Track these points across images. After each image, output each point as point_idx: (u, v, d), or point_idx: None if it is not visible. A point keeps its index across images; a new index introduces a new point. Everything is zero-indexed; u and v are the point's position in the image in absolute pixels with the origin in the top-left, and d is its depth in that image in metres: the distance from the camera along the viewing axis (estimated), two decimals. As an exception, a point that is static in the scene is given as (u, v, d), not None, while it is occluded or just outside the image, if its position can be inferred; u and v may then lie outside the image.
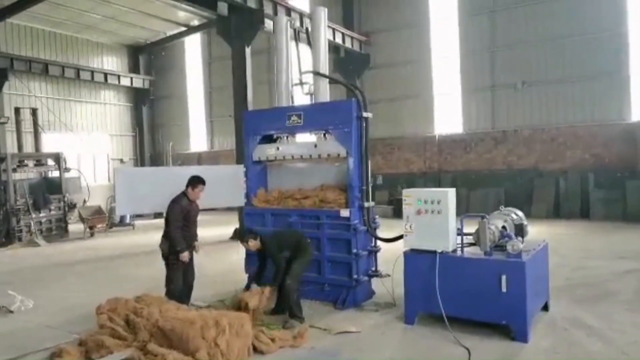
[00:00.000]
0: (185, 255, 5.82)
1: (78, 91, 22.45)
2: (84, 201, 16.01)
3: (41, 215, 14.22)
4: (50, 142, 19.41)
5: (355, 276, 6.31)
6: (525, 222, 5.81)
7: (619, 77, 14.94)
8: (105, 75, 22.69)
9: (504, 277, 4.90)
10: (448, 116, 17.97)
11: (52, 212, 14.61)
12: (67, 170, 15.18)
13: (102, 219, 15.35)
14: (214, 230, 14.96)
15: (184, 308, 5.32)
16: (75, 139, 21.65)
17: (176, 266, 5.93)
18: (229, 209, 16.58)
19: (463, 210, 12.72)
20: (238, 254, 8.24)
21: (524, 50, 16.33)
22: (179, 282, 5.99)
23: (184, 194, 5.92)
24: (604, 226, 12.97)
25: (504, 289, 4.89)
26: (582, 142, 15.39)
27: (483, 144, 17.08)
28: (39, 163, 15.10)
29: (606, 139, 15.02)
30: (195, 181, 5.95)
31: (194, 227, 6.14)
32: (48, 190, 14.62)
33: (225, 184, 7.10)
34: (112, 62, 23.96)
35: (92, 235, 14.90)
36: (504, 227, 5.47)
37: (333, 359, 4.71)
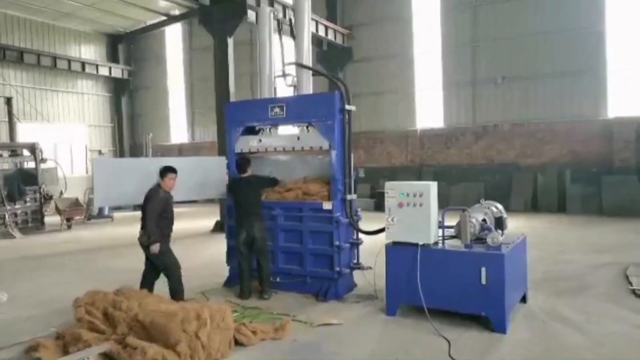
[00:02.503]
0: (155, 247, 5.69)
1: (54, 80, 21.95)
2: (61, 193, 15.70)
3: (16, 206, 13.89)
4: (25, 132, 18.99)
5: (337, 269, 6.33)
6: (504, 215, 5.89)
7: (596, 74, 15.23)
8: (83, 64, 22.23)
9: (483, 270, 4.96)
10: (430, 111, 18.09)
11: (28, 204, 14.29)
12: (43, 161, 14.85)
13: (80, 211, 15.08)
14: (195, 222, 14.84)
15: (165, 301, 5.26)
16: (52, 129, 21.18)
17: (167, 251, 5.89)
18: (211, 201, 16.54)
19: (444, 204, 12.78)
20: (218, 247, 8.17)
21: (504, 46, 16.51)
22: (178, 262, 5.98)
23: (158, 185, 5.84)
24: (580, 220, 13.25)
25: (483, 281, 4.96)
26: (560, 138, 15.67)
27: (464, 139, 17.26)
28: (14, 153, 14.75)
29: (583, 135, 15.31)
30: (165, 171, 5.87)
31: (172, 217, 5.99)
32: (23, 181, 14.27)
33: (207, 176, 7.04)
34: (90, 51, 23.46)
35: (69, 227, 14.63)
36: (484, 220, 5.53)
37: (315, 352, 4.72)
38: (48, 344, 4.72)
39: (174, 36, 24.07)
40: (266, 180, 6.83)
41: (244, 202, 6.58)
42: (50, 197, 14.88)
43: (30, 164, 14.93)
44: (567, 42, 15.46)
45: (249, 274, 6.58)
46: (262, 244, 6.53)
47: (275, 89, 7.49)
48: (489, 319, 5.03)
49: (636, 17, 14.79)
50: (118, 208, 17.47)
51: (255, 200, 6.60)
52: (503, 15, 16.50)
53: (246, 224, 6.48)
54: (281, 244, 6.77)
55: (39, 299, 6.85)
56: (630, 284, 6.50)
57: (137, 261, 6.40)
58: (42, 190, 14.51)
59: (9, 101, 16.55)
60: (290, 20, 7.83)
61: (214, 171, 7.14)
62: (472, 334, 4.95)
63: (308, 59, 7.28)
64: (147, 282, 5.99)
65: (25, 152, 14.83)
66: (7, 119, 16.40)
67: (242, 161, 6.79)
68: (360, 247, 6.80)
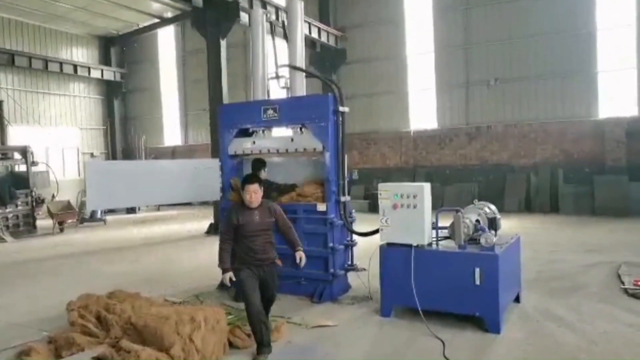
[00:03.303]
0: (225, 277, 4.64)
1: (46, 83, 21.80)
2: (53, 196, 15.59)
3: (7, 210, 13.77)
4: (16, 135, 18.81)
5: (331, 270, 6.32)
6: (498, 216, 5.91)
7: (588, 75, 15.35)
8: (75, 66, 22.08)
9: (477, 270, 4.97)
10: (423, 112, 18.15)
11: (19, 208, 14.16)
12: (35, 164, 14.73)
13: (72, 214, 14.97)
14: (189, 224, 14.80)
15: (158, 304, 5.23)
16: (44, 132, 21.02)
17: (242, 281, 4.63)
18: (205, 204, 16.51)
19: (438, 204, 12.88)
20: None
21: (497, 47, 16.60)
22: (252, 298, 4.53)
23: (237, 202, 4.82)
24: (573, 220, 13.33)
25: (477, 282, 4.97)
26: (552, 138, 15.77)
27: (457, 140, 17.32)
28: (4, 157, 14.61)
29: (575, 135, 15.42)
30: (248, 179, 4.79)
31: (257, 240, 4.74)
32: (14, 184, 14.13)
33: (201, 178, 7.01)
34: (82, 54, 23.33)
35: (61, 230, 14.53)
36: (477, 220, 5.55)
37: (310, 354, 4.71)
38: (40, 348, 4.68)
39: (166, 38, 24.01)
40: (274, 186, 6.72)
41: None
42: (42, 201, 14.77)
43: (22, 168, 14.81)
44: (558, 43, 15.57)
45: None
46: None
47: (268, 91, 7.48)
48: (483, 319, 5.04)
49: (626, 17, 14.92)
50: (111, 211, 17.38)
51: None
52: (495, 18, 16.59)
53: None
54: (276, 246, 6.75)
55: (30, 303, 6.78)
56: (623, 283, 6.54)
57: (130, 264, 6.37)
58: (33, 193, 14.40)
59: (0, 104, 16.43)
60: (283, 22, 7.84)
61: (207, 173, 7.12)
62: (467, 335, 4.96)
63: (301, 61, 7.28)
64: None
65: (17, 156, 14.70)
66: (-2, 122, 16.29)
67: (254, 163, 6.71)
68: (355, 248, 6.79)
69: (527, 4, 15.98)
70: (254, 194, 4.70)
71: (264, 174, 6.57)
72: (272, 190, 6.65)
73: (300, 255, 4.93)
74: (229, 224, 4.73)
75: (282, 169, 7.24)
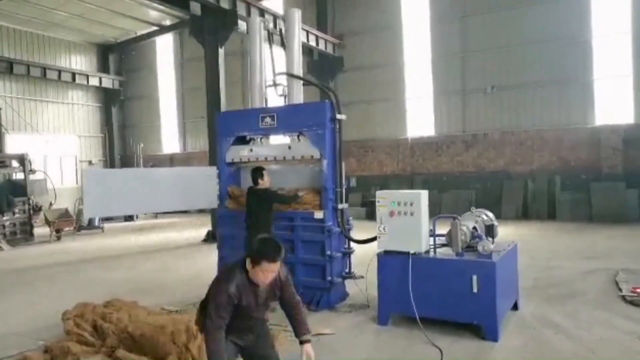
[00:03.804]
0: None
1: (44, 91, 21.82)
2: (50, 204, 15.55)
3: (5, 218, 13.73)
4: (14, 143, 18.81)
5: (329, 278, 6.31)
6: (495, 223, 5.91)
7: (584, 82, 15.43)
8: (73, 74, 22.12)
9: (474, 278, 4.97)
10: (420, 119, 18.20)
11: (17, 215, 14.12)
12: (32, 172, 14.73)
13: (69, 222, 14.93)
14: (186, 232, 14.77)
15: (155, 312, 5.21)
16: (42, 139, 21.01)
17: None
18: (202, 211, 16.48)
19: (435, 211, 12.86)
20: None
21: (493, 55, 16.69)
22: None
23: (239, 268, 3.34)
24: (570, 227, 13.34)
25: (475, 289, 4.97)
26: (549, 146, 15.82)
27: (454, 147, 17.37)
28: (2, 164, 14.59)
29: (571, 142, 15.48)
30: (269, 254, 3.20)
31: (253, 319, 3.48)
32: (12, 192, 14.11)
33: (199, 186, 7.01)
34: (81, 62, 23.38)
35: (58, 238, 14.48)
36: (475, 227, 5.55)
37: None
38: (36, 357, 4.66)
39: (165, 46, 24.07)
40: (276, 196, 6.51)
41: (250, 216, 6.39)
42: (40, 208, 14.74)
43: (19, 175, 14.79)
44: (554, 51, 15.67)
45: None
46: None
47: (266, 98, 7.51)
48: (481, 327, 5.04)
49: (621, 25, 15.03)
50: (108, 219, 17.34)
51: (262, 215, 6.30)
52: (491, 26, 16.69)
53: (250, 236, 6.23)
54: (273, 254, 6.74)
55: (27, 312, 6.75)
56: (620, 290, 6.55)
57: (127, 272, 6.35)
58: (31, 201, 14.37)
59: (-3, 112, 16.48)
60: (280, 30, 7.89)
61: (205, 181, 7.12)
62: (465, 343, 4.95)
63: (299, 68, 7.32)
64: None
65: (14, 163, 14.69)
66: (-5, 130, 16.31)
67: (252, 171, 6.55)
68: (352, 256, 6.79)
69: (524, 12, 16.09)
70: (272, 274, 3.28)
71: (263, 182, 6.51)
72: (275, 200, 6.51)
73: (307, 351, 3.48)
74: (229, 304, 3.27)
75: (280, 176, 7.24)
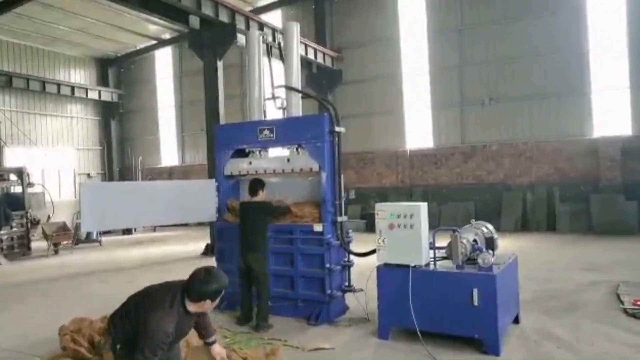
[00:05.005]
0: None
1: (43, 104, 21.88)
2: (48, 217, 15.49)
3: (2, 232, 13.65)
4: (13, 156, 18.80)
5: (328, 291, 6.26)
6: (495, 236, 5.88)
7: (582, 94, 15.50)
8: (72, 88, 22.21)
9: (475, 291, 4.93)
10: (419, 131, 18.25)
11: (14, 229, 14.05)
12: (31, 185, 14.68)
13: (67, 236, 14.86)
14: (185, 245, 14.70)
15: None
16: (40, 153, 21.01)
17: None
18: (201, 224, 16.42)
19: (434, 224, 12.79)
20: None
21: (491, 67, 16.79)
22: None
23: (178, 303, 3.35)
24: (570, 239, 13.31)
25: (475, 303, 4.92)
26: (548, 157, 15.84)
27: (453, 159, 17.39)
28: (0, 178, 14.56)
29: (570, 154, 15.51)
30: (205, 295, 3.36)
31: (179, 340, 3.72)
32: (10, 206, 14.04)
33: (197, 199, 6.99)
34: (80, 75, 23.48)
35: (56, 252, 14.39)
36: (475, 240, 5.52)
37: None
38: (32, 374, 4.59)
39: (164, 60, 24.19)
40: (271, 208, 6.42)
41: (244, 229, 6.30)
42: (37, 222, 14.66)
43: (17, 189, 14.75)
44: (552, 63, 15.77)
45: (248, 301, 6.32)
46: (259, 276, 6.12)
47: (265, 111, 7.53)
48: (482, 341, 4.99)
49: (618, 38, 15.15)
50: (107, 232, 17.27)
51: (256, 228, 6.22)
52: (489, 38, 16.82)
53: (243, 252, 6.23)
54: (272, 267, 6.67)
55: (24, 327, 6.68)
56: (622, 302, 6.50)
57: (125, 287, 6.29)
58: (28, 215, 14.31)
59: (-4, 125, 16.51)
60: (279, 43, 7.95)
61: (203, 194, 7.10)
62: (466, 357, 4.90)
63: (297, 81, 7.35)
64: None
65: (12, 177, 14.65)
66: (-6, 144, 16.32)
67: (251, 183, 6.49)
68: (352, 269, 6.74)
69: (521, 25, 16.21)
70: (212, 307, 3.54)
71: (262, 194, 6.47)
72: (277, 212, 6.48)
73: (218, 351, 3.82)
74: (165, 343, 3.27)
75: (279, 189, 7.23)
